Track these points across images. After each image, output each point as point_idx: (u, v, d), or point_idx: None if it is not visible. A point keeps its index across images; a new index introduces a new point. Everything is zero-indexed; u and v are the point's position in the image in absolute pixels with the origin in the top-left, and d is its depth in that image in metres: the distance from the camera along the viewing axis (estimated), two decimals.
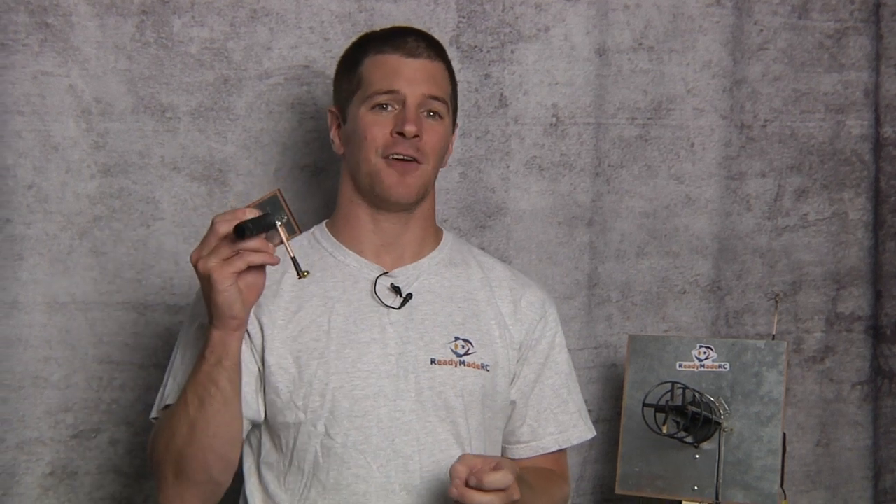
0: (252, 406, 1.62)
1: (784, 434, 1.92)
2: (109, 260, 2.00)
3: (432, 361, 1.65)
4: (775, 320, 2.07)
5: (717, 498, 1.91)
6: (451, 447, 1.64)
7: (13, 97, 1.94)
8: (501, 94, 2.16)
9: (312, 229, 1.76)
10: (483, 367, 1.68)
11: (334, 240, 1.72)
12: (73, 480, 2.01)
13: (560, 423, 1.76)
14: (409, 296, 1.67)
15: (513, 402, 1.74)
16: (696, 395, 1.89)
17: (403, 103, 1.65)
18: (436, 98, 1.68)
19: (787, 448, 1.94)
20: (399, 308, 1.66)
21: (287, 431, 1.63)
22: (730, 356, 1.96)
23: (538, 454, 1.76)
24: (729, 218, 2.31)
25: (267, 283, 1.58)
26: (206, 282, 1.46)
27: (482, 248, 2.14)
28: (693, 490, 1.92)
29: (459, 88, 2.10)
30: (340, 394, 1.61)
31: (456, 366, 1.66)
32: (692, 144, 2.27)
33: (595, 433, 1.83)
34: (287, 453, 1.63)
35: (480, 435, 1.68)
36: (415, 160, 1.66)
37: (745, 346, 1.96)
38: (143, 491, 2.03)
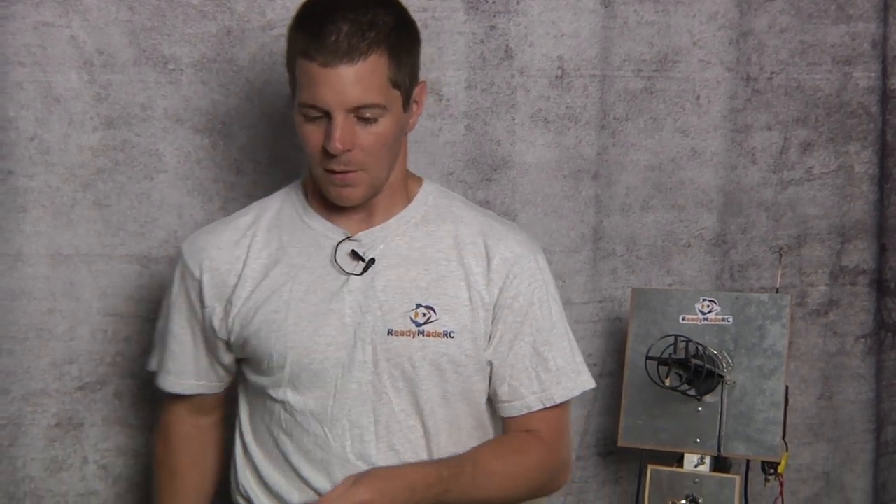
0: (215, 378, 1.76)
1: (787, 387, 1.93)
2: (113, 212, 2.00)
3: (389, 332, 1.61)
4: (779, 274, 2.07)
5: (718, 450, 1.92)
6: (409, 417, 1.63)
7: (14, 48, 1.92)
8: (507, 46, 2.14)
9: (290, 186, 1.73)
10: (446, 334, 1.62)
11: (304, 200, 1.68)
12: (79, 432, 2.02)
13: (542, 381, 1.68)
14: (372, 261, 1.62)
15: (489, 363, 1.67)
16: (699, 348, 1.89)
17: (330, 116, 1.54)
18: (364, 105, 1.54)
19: (790, 401, 1.95)
20: (360, 274, 1.62)
21: (254, 391, 1.69)
22: (733, 309, 1.96)
23: (523, 413, 1.69)
24: (734, 171, 2.30)
25: (238, 249, 1.66)
26: None
27: (487, 203, 2.14)
28: (695, 442, 1.93)
29: (465, 39, 2.10)
30: (298, 367, 1.61)
31: (413, 336, 1.61)
32: (698, 97, 2.26)
33: (591, 385, 1.74)
34: (255, 412, 1.69)
35: (445, 403, 1.65)
36: (349, 171, 1.58)
37: (748, 299, 1.97)
38: (149, 442, 2.04)
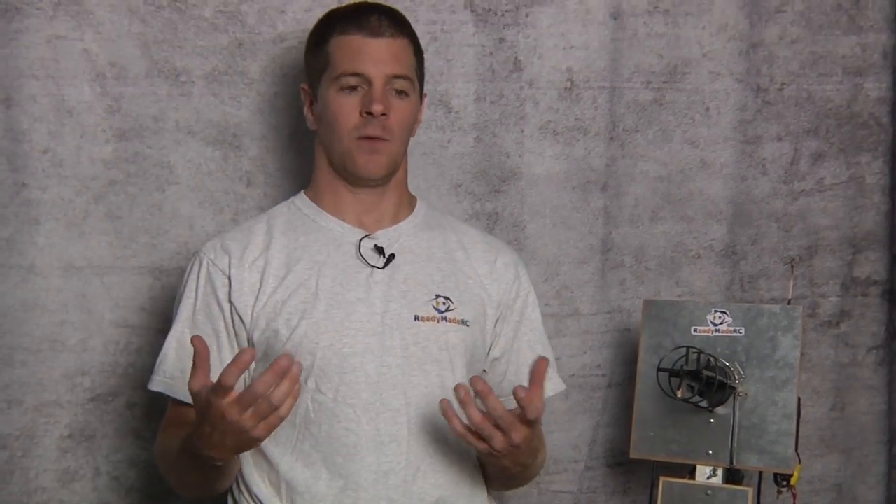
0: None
1: (799, 398, 1.92)
2: (125, 224, 2.01)
3: (415, 318, 1.72)
4: (791, 285, 2.06)
5: (731, 462, 1.91)
6: (437, 400, 1.68)
7: (28, 61, 1.94)
8: (516, 58, 2.15)
9: (291, 199, 1.81)
10: (463, 322, 1.75)
11: (316, 206, 1.78)
12: (91, 443, 2.03)
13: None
14: (392, 256, 1.74)
15: (495, 360, 1.82)
16: (711, 359, 1.89)
17: (370, 83, 1.70)
18: (400, 77, 1.72)
19: (802, 412, 1.93)
20: (383, 268, 1.72)
21: None
22: (745, 321, 1.95)
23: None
24: (744, 182, 2.30)
25: (257, 250, 1.71)
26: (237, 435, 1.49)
27: (496, 214, 2.15)
28: (707, 454, 1.92)
29: (474, 52, 2.11)
30: (330, 352, 1.67)
31: (438, 322, 1.72)
32: (707, 108, 2.26)
33: (564, 386, 1.88)
34: None
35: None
36: (382, 138, 1.71)
37: (760, 310, 1.96)
38: None
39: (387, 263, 1.73)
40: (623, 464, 2.24)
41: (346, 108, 1.70)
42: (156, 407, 2.02)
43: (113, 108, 1.99)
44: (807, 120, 2.32)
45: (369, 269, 1.72)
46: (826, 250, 2.34)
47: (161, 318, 2.02)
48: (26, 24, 1.93)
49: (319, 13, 2.02)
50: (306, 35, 2.02)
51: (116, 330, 2.02)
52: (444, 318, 1.74)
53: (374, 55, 1.70)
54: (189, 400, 1.64)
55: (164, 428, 1.74)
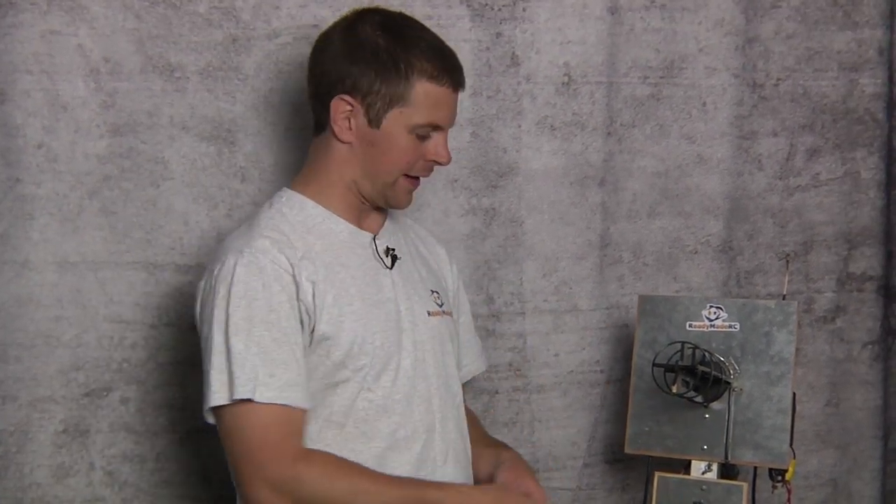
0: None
1: (794, 394, 1.92)
2: (119, 220, 2.01)
3: (428, 313, 1.80)
4: (786, 280, 2.06)
5: (726, 457, 1.91)
6: (451, 388, 1.83)
7: (22, 56, 1.94)
8: (513, 53, 2.15)
9: (284, 198, 1.74)
10: (451, 314, 1.87)
11: (322, 208, 1.75)
12: (86, 438, 2.02)
13: (476, 352, 2.00)
14: (396, 256, 1.79)
15: None
16: (706, 354, 1.89)
17: (437, 129, 1.74)
18: None
19: (798, 408, 1.93)
20: (391, 268, 1.78)
21: (331, 391, 1.69)
22: (740, 316, 1.95)
23: (463, 381, 1.93)
24: (740, 178, 2.29)
25: (299, 251, 1.67)
26: None
27: (493, 210, 2.15)
28: (702, 449, 1.92)
29: (471, 46, 2.11)
30: (381, 350, 1.72)
31: (441, 315, 1.83)
32: (704, 103, 2.26)
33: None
34: (325, 411, 1.69)
35: (457, 375, 1.87)
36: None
37: (755, 306, 1.96)
38: (155, 448, 2.05)
39: (393, 263, 1.78)
40: (622, 460, 2.24)
41: (413, 151, 1.72)
42: (149, 402, 2.03)
43: (107, 103, 1.98)
44: (802, 115, 2.32)
45: (385, 269, 1.77)
46: (821, 246, 2.34)
47: (155, 314, 2.02)
48: (20, 18, 1.93)
49: (314, 9, 2.03)
50: (301, 31, 2.02)
51: (111, 325, 2.02)
52: (443, 312, 1.83)
53: (453, 109, 1.75)
54: (297, 403, 1.61)
55: (311, 459, 1.61)
